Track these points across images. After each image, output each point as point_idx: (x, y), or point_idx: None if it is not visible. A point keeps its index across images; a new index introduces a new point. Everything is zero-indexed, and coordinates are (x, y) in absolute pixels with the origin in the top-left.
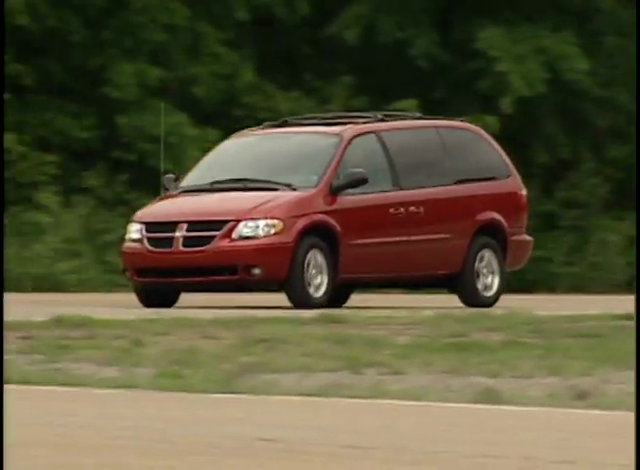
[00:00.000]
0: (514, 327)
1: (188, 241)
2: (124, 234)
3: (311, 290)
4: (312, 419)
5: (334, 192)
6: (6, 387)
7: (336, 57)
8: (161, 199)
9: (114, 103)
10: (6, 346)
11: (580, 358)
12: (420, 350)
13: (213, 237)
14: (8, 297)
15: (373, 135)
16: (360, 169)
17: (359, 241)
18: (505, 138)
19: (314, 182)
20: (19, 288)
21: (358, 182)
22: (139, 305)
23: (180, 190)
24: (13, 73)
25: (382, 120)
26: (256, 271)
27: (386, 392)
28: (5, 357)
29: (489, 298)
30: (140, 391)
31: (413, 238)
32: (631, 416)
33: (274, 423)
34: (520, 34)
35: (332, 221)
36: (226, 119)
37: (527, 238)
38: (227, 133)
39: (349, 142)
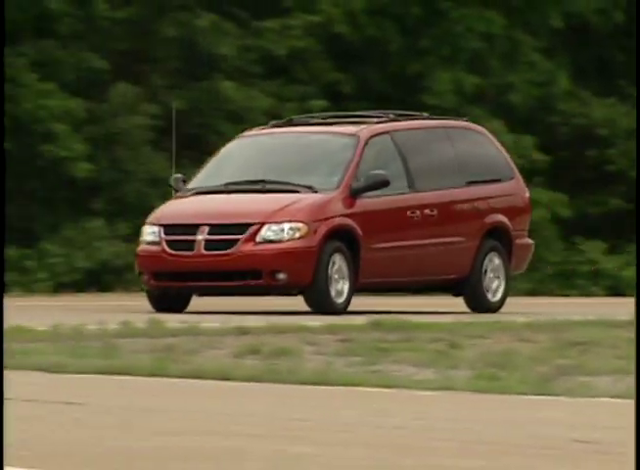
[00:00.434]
0: None
1: (210, 244)
2: None
3: (334, 295)
4: (627, 421)
5: (354, 194)
6: (325, 388)
7: None
8: (175, 200)
9: (429, 110)
10: (325, 348)
11: None
12: None
13: (236, 240)
14: None
15: (387, 136)
16: (381, 171)
17: (379, 245)
18: None
19: (334, 184)
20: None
21: (380, 184)
22: (460, 308)
23: (193, 191)
24: (332, 81)
25: (394, 120)
26: (281, 276)
27: None
28: (324, 359)
29: (495, 303)
30: (457, 392)
31: (428, 241)
32: None
33: (589, 425)
34: None
35: (353, 225)
36: (541, 126)
37: (530, 241)
38: (542, 140)
39: (366, 143)
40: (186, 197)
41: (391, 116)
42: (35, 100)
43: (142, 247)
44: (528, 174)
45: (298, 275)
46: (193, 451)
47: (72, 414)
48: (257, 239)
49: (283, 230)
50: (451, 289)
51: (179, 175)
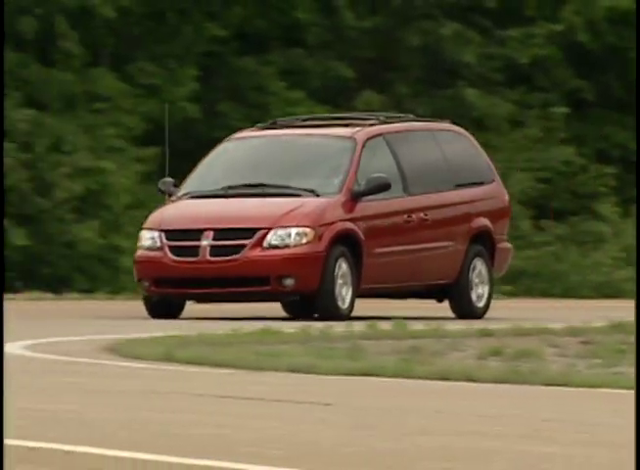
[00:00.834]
0: None
1: (216, 250)
2: None
3: (339, 302)
4: None
5: (355, 198)
6: (568, 389)
7: None
8: (171, 204)
9: None
10: (567, 350)
11: None
12: None
13: (242, 246)
14: (568, 303)
15: (381, 138)
16: (382, 175)
17: (380, 250)
18: None
19: (336, 188)
20: (579, 295)
21: (381, 188)
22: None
23: (188, 195)
24: (574, 88)
25: (384, 123)
26: (289, 282)
27: None
28: (566, 361)
29: (480, 308)
30: None
31: (423, 246)
32: None
33: None
34: None
35: (356, 229)
36: None
37: (509, 245)
38: None
39: (364, 145)
40: (181, 201)
41: (382, 118)
42: (283, 108)
43: (141, 252)
44: None
45: (306, 281)
46: (440, 451)
47: (320, 414)
48: (264, 244)
49: (290, 235)
50: (437, 294)
51: (169, 179)
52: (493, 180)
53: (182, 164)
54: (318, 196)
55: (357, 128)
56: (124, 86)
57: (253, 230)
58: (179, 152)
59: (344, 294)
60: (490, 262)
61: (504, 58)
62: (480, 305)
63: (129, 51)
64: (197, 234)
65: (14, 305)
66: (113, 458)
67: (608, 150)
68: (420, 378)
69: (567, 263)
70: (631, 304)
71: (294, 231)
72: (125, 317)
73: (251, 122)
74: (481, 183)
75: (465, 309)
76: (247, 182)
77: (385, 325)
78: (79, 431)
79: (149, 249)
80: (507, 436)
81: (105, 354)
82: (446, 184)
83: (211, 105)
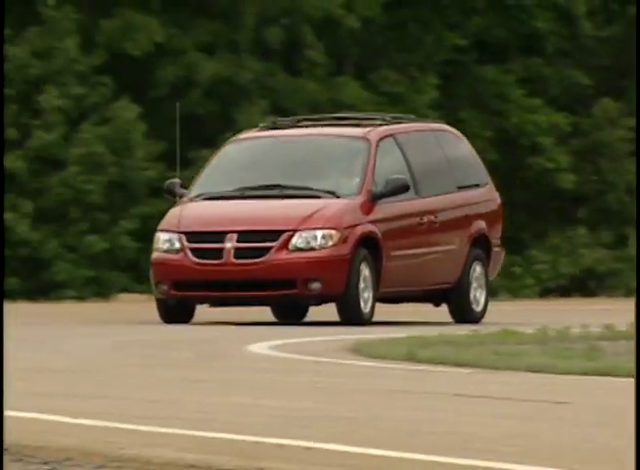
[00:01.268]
0: None
1: (240, 252)
2: None
3: (362, 305)
4: None
5: (375, 200)
6: None
7: None
8: (185, 205)
9: None
10: None
11: None
12: None
13: (267, 248)
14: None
15: (392, 138)
16: (402, 176)
17: (397, 253)
18: None
19: (355, 189)
20: None
21: (400, 189)
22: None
23: (202, 196)
24: None
25: (391, 123)
26: (315, 286)
27: None
28: None
29: (478, 313)
30: None
31: (433, 249)
32: None
33: None
34: None
35: (376, 231)
36: None
37: (501, 249)
38: None
39: (377, 145)
40: (197, 202)
41: (387, 118)
42: (522, 115)
43: (158, 255)
44: None
45: (332, 285)
46: None
47: (557, 413)
48: (290, 247)
49: (315, 237)
50: (436, 298)
51: (176, 180)
52: (487, 183)
53: None
54: (338, 197)
55: (368, 128)
56: (368, 94)
57: (279, 232)
58: None
59: (366, 298)
60: (487, 266)
61: None
62: (479, 309)
63: (372, 60)
64: (219, 236)
65: (264, 308)
66: (355, 455)
67: None
68: None
69: None
70: None
71: (319, 233)
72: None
73: (492, 129)
74: (478, 185)
75: (464, 314)
76: (262, 183)
77: (621, 326)
78: (323, 428)
79: (167, 251)
80: None
81: (348, 355)
82: (450, 186)
83: (452, 112)
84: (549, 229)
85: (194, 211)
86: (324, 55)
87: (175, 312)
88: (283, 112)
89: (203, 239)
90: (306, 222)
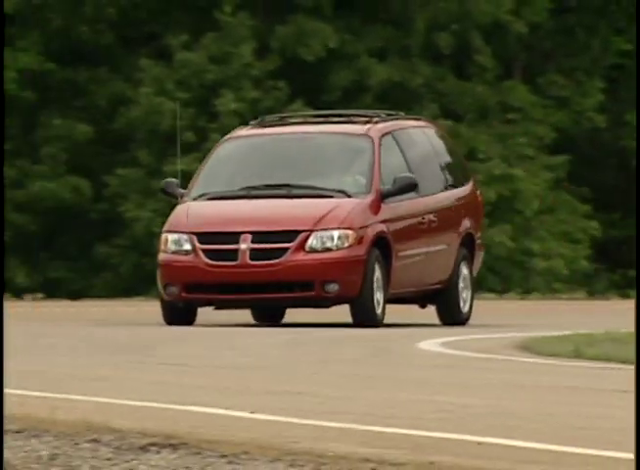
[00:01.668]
0: None
1: (256, 253)
2: None
3: (376, 307)
4: None
5: (383, 199)
6: None
7: None
8: (190, 205)
9: None
10: None
11: None
12: None
13: (283, 249)
14: None
15: (391, 136)
16: (410, 174)
17: (404, 253)
18: None
19: (364, 188)
20: None
21: (409, 188)
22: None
23: (206, 197)
24: None
25: (386, 120)
26: (332, 287)
27: None
28: None
29: (465, 314)
30: None
31: (431, 249)
32: None
33: None
34: None
35: (387, 231)
36: None
37: (482, 248)
38: None
39: (380, 143)
40: (204, 202)
41: (383, 115)
42: None
43: (166, 256)
44: None
45: (349, 286)
46: None
47: None
48: (306, 248)
49: (332, 238)
50: (423, 299)
51: (173, 180)
52: (470, 179)
53: (590, 171)
54: (349, 196)
55: (367, 125)
56: (535, 98)
57: (294, 233)
58: (587, 160)
59: (379, 299)
60: (471, 266)
61: None
62: (465, 310)
63: (540, 64)
64: (233, 237)
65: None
66: (524, 449)
67: None
68: None
69: None
70: None
71: (336, 234)
72: (536, 316)
73: None
74: (463, 183)
75: (452, 315)
76: (267, 183)
77: None
78: (494, 423)
79: (176, 252)
80: None
81: (517, 352)
82: (442, 183)
83: (617, 115)
84: None
85: (202, 211)
86: (492, 59)
87: (180, 315)
88: (452, 115)
89: (216, 240)
90: (322, 222)
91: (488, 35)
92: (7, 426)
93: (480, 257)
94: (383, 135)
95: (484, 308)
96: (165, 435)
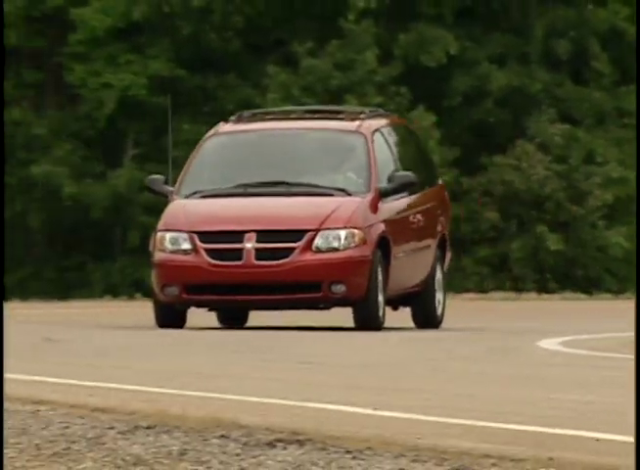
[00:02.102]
0: None
1: (261, 253)
2: None
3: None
4: None
5: (382, 197)
6: None
7: None
8: (186, 203)
9: None
10: None
11: None
12: None
13: (289, 249)
14: None
15: (379, 133)
16: (409, 173)
17: (400, 253)
18: None
19: (363, 186)
20: None
21: (407, 186)
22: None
23: (200, 194)
24: None
25: (373, 117)
26: (339, 288)
27: None
28: None
29: (438, 317)
30: None
31: (419, 250)
32: None
33: None
34: None
35: (387, 231)
36: None
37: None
38: None
39: (372, 140)
40: (200, 200)
41: (367, 111)
42: None
43: (164, 256)
44: None
45: (355, 287)
46: None
47: None
48: (313, 247)
49: (339, 238)
50: (398, 302)
51: (159, 176)
52: (439, 179)
53: None
54: (350, 195)
55: (356, 122)
56: None
57: (301, 232)
58: None
59: (380, 301)
60: (443, 267)
61: None
62: (439, 312)
63: None
64: (237, 236)
65: (549, 304)
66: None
67: None
68: None
69: None
70: None
71: (342, 233)
72: None
73: None
74: (435, 182)
75: (427, 318)
76: (261, 180)
77: None
78: (612, 420)
79: (174, 252)
80: None
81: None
82: (425, 183)
83: None
84: None
85: (200, 208)
86: (609, 65)
87: (171, 317)
88: (570, 119)
89: (218, 239)
90: (328, 222)
91: (605, 42)
92: (138, 422)
93: (448, 257)
94: (373, 132)
95: (602, 308)
96: (291, 431)
